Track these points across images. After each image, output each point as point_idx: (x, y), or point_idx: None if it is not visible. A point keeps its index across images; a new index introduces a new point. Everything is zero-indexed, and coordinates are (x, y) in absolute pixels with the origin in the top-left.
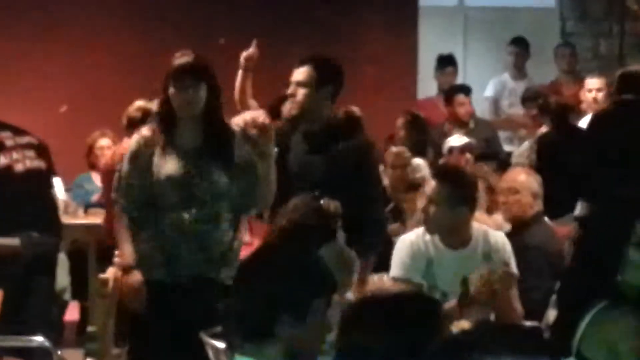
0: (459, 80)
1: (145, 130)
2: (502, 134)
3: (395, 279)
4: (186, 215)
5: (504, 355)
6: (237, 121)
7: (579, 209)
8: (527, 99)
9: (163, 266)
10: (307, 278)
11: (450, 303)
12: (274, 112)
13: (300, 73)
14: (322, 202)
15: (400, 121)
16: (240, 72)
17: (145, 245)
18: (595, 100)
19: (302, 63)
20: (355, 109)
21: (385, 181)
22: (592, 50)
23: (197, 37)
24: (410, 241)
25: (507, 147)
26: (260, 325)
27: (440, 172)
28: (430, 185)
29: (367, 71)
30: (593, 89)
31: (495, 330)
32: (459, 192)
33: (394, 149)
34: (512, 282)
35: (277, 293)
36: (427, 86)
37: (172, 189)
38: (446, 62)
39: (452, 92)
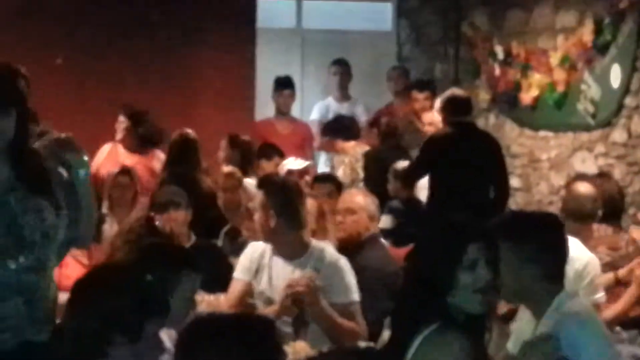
0: (296, 102)
1: None
2: (323, 156)
3: (235, 279)
4: (12, 264)
5: None
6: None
7: (383, 221)
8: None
9: None
10: (139, 300)
11: (270, 308)
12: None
13: None
14: (157, 222)
15: (222, 143)
16: None
17: None
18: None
19: None
20: (190, 132)
21: (220, 201)
22: (428, 74)
23: (32, 57)
24: (256, 246)
25: (326, 169)
26: (94, 346)
27: (264, 182)
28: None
29: (204, 92)
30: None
31: (330, 355)
32: (281, 201)
33: (225, 169)
34: (315, 289)
35: (110, 314)
36: (266, 107)
37: None
38: (284, 84)
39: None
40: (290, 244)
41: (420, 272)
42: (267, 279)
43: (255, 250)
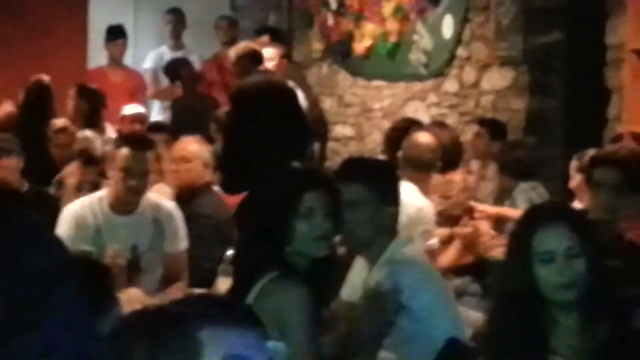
0: (129, 51)
1: None
2: (157, 104)
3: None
4: None
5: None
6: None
7: None
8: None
9: None
10: None
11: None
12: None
13: None
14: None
15: (71, 92)
16: None
17: None
18: (274, 67)
19: None
20: (45, 78)
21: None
22: (261, 23)
23: None
24: (74, 211)
25: (159, 117)
26: None
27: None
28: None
29: (35, 42)
30: (268, 57)
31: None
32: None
33: (57, 123)
34: None
35: None
36: (98, 56)
37: None
38: (116, 33)
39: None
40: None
41: (257, 221)
42: (107, 239)
43: (78, 215)
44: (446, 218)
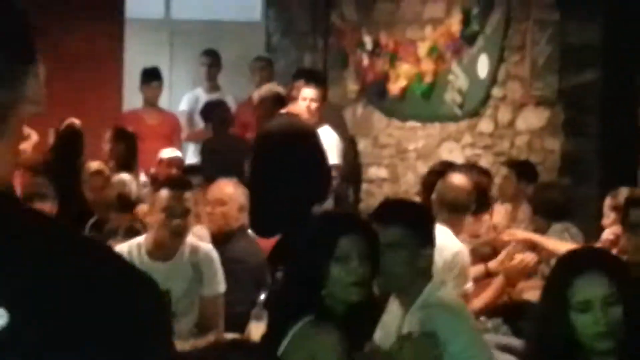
0: (165, 93)
1: None
2: (192, 147)
3: None
4: None
5: None
6: None
7: None
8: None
9: None
10: None
11: None
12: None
13: None
14: None
15: (107, 135)
16: None
17: None
18: (308, 109)
19: None
20: (76, 122)
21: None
22: (297, 64)
23: None
24: (122, 253)
25: (194, 160)
26: None
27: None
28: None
29: (72, 82)
30: (307, 97)
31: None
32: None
33: (92, 165)
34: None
35: None
36: (133, 99)
37: None
38: (151, 75)
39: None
40: (163, 245)
41: (293, 265)
42: None
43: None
44: (476, 257)
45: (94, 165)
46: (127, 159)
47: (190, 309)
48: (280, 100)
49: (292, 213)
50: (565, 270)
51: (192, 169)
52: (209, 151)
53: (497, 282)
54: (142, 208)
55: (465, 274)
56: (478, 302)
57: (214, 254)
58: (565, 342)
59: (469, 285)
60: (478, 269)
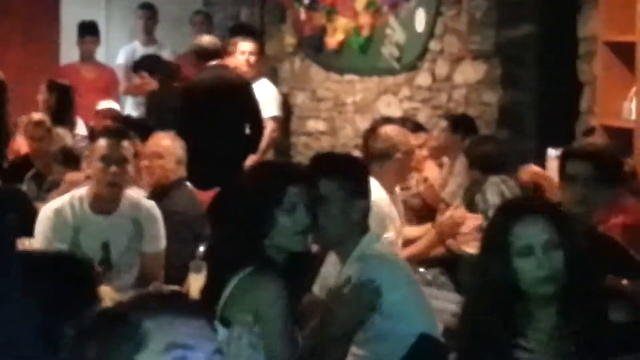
0: (102, 47)
1: None
2: (130, 100)
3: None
4: None
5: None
6: None
7: None
8: (137, 65)
9: None
10: None
11: None
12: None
13: None
14: None
15: (41, 87)
16: None
17: None
18: (247, 62)
19: None
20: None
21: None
22: (233, 18)
23: None
24: (54, 210)
25: (133, 113)
26: None
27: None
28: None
29: (7, 36)
30: (246, 51)
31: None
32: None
33: (34, 116)
34: None
35: None
36: (71, 53)
37: None
38: (88, 29)
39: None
40: (104, 198)
41: (236, 215)
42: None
43: (57, 214)
44: (407, 209)
45: (36, 116)
46: (61, 112)
47: (131, 264)
48: (216, 53)
49: (226, 165)
50: (506, 216)
51: (130, 122)
52: (153, 103)
53: (429, 235)
54: None
55: (383, 223)
56: (408, 250)
57: (156, 211)
58: (505, 288)
59: (390, 234)
60: (425, 228)
